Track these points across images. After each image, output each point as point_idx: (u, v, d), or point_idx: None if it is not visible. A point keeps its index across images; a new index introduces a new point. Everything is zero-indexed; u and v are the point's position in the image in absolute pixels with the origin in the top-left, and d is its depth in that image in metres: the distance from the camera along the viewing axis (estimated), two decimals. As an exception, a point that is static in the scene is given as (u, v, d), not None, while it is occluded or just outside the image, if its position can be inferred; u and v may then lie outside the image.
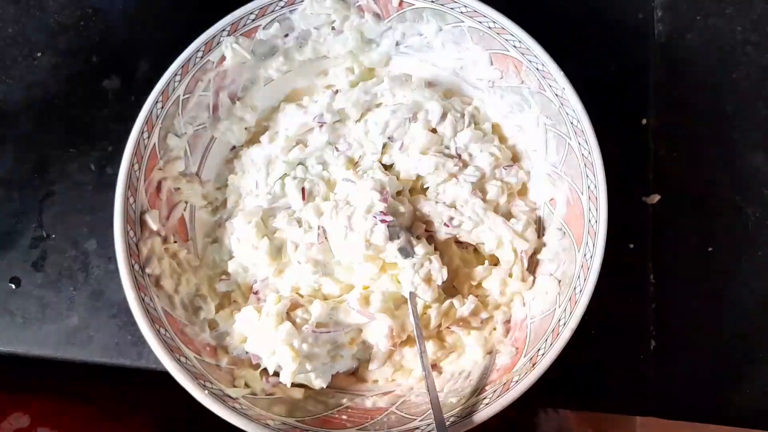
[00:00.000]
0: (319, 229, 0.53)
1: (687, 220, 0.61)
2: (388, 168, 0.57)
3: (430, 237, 0.55)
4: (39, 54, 0.67)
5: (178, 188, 0.55)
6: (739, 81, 0.63)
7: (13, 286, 0.61)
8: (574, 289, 0.49)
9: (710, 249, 0.60)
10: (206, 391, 0.47)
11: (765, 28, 0.64)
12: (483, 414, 0.46)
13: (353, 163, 0.57)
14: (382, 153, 0.57)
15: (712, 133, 0.62)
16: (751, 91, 0.63)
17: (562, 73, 0.52)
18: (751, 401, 0.57)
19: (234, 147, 0.60)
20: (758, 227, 0.60)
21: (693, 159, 0.62)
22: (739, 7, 0.65)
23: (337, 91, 0.58)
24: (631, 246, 0.60)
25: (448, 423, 0.46)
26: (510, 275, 0.53)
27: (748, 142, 0.62)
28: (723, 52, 0.64)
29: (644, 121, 0.62)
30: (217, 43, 0.55)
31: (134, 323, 0.50)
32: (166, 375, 0.48)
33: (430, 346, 0.52)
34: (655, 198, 0.61)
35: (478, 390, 0.48)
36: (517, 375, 0.47)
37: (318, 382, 0.51)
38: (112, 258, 0.53)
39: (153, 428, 0.71)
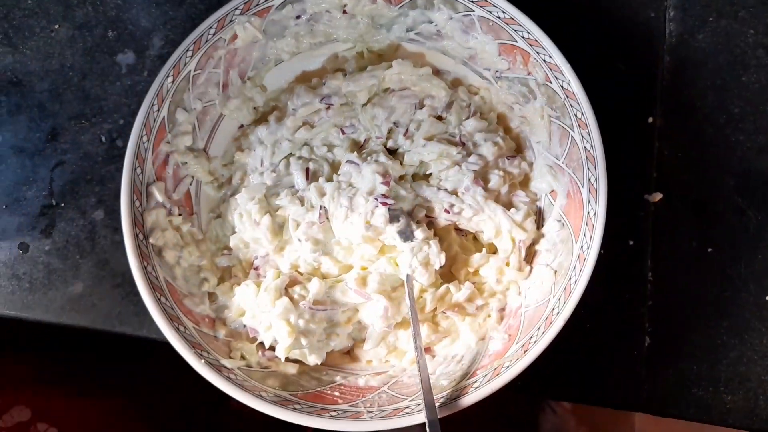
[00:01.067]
0: (321, 209, 0.54)
1: (688, 220, 0.61)
2: (392, 153, 0.58)
3: (431, 222, 0.56)
4: (56, 26, 0.68)
5: (185, 162, 0.56)
6: (748, 84, 0.63)
7: (21, 252, 0.62)
8: (570, 279, 0.49)
9: (710, 250, 0.60)
10: (203, 361, 0.48)
11: (778, 32, 0.64)
12: (472, 397, 0.46)
13: (358, 146, 0.58)
14: (387, 138, 0.58)
15: (718, 134, 0.62)
16: (760, 95, 0.63)
17: (569, 65, 0.52)
18: (743, 401, 0.58)
19: (242, 125, 0.61)
20: (759, 230, 0.60)
21: (697, 159, 0.62)
22: (752, 10, 0.64)
23: (345, 75, 0.59)
24: (631, 243, 0.60)
25: (437, 404, 0.47)
26: (507, 264, 0.54)
27: (753, 145, 0.62)
28: (733, 55, 0.64)
29: (650, 120, 0.62)
30: (230, 21, 0.55)
31: (137, 293, 0.51)
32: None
33: (425, 330, 0.53)
34: (657, 196, 0.61)
35: (469, 374, 0.49)
36: (508, 361, 0.48)
37: (312, 359, 0.52)
38: (118, 229, 0.54)
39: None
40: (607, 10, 0.65)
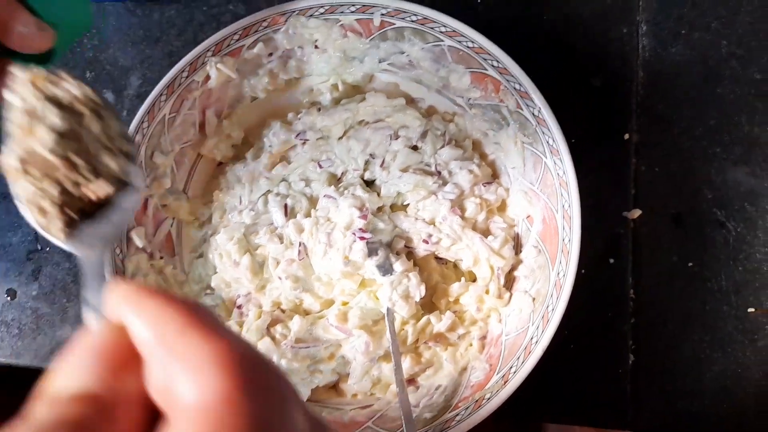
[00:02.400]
0: (300, 245, 0.54)
1: (668, 235, 0.61)
2: (369, 184, 0.59)
3: (410, 253, 0.56)
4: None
5: (165, 205, 0.57)
6: (723, 96, 0.63)
7: (9, 298, 0.63)
8: (547, 307, 0.50)
9: (690, 264, 0.61)
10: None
11: (750, 43, 0.64)
12: (455, 430, 0.47)
13: (335, 180, 0.58)
14: (364, 170, 0.58)
15: (695, 147, 0.62)
16: (735, 106, 0.63)
17: (539, 93, 0.52)
18: (729, 414, 0.58)
19: (220, 163, 0.61)
20: (739, 242, 0.61)
21: (675, 174, 0.62)
22: (724, 21, 0.64)
23: (320, 109, 0.59)
24: (612, 261, 0.61)
25: (421, 438, 0.47)
26: (487, 291, 0.54)
27: (730, 156, 0.62)
28: (707, 67, 0.64)
29: (627, 136, 0.63)
30: (202, 63, 0.56)
31: (122, 336, 0.52)
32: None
33: (407, 362, 0.53)
34: (636, 213, 0.61)
35: (452, 407, 0.50)
36: (489, 392, 0.48)
37: (298, 395, 0.52)
38: (103, 271, 0.55)
39: None
40: (579, 28, 0.65)
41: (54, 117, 0.31)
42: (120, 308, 0.23)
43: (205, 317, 0.22)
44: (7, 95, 0.32)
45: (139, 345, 0.23)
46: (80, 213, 0.32)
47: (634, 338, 0.60)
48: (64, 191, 0.31)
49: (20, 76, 0.32)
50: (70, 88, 0.32)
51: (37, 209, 0.31)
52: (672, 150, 0.63)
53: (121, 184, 0.32)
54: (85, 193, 0.32)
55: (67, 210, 0.31)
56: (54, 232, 0.32)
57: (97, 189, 0.32)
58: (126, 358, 0.23)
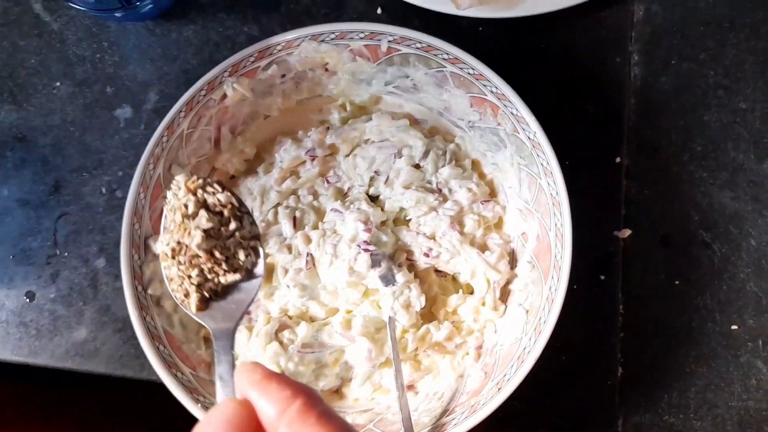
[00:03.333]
0: (307, 256, 0.58)
1: (656, 255, 0.64)
2: (374, 199, 0.62)
3: (411, 265, 0.59)
4: (58, 84, 0.72)
5: (180, 215, 0.60)
6: (709, 123, 0.67)
7: (28, 300, 0.66)
8: (540, 319, 0.53)
9: (677, 282, 0.64)
10: (199, 405, 0.52)
11: (736, 74, 0.68)
12: (450, 433, 0.50)
13: (342, 194, 0.62)
14: (369, 185, 0.61)
15: (683, 172, 0.66)
16: (721, 133, 0.67)
17: (534, 118, 0.56)
18: (711, 427, 0.61)
19: (233, 176, 0.65)
20: (724, 263, 0.64)
21: (663, 196, 0.65)
22: (712, 53, 0.68)
23: (328, 128, 0.63)
24: (602, 278, 0.64)
25: (418, 440, 0.50)
26: (483, 303, 0.57)
27: (716, 181, 0.66)
28: (695, 96, 0.68)
29: (618, 160, 0.66)
30: (219, 83, 0.60)
31: (137, 338, 0.55)
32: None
33: (407, 368, 0.56)
34: (627, 233, 0.65)
35: (448, 411, 0.52)
36: (484, 398, 0.51)
37: (302, 398, 0.55)
38: (119, 276, 0.58)
39: None
40: (574, 56, 0.69)
41: (204, 219, 0.39)
42: (249, 387, 0.29)
43: (320, 403, 0.28)
44: (169, 196, 0.40)
45: (265, 421, 0.28)
46: (212, 293, 0.39)
47: (623, 352, 0.62)
48: (202, 275, 0.39)
49: (180, 181, 0.40)
50: (218, 194, 0.40)
51: (179, 288, 0.40)
52: (661, 174, 0.66)
53: (249, 272, 0.40)
54: (220, 280, 0.39)
55: (203, 290, 0.39)
56: (190, 307, 0.39)
57: (230, 278, 0.40)
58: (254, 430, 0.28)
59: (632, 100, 0.68)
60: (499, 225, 0.61)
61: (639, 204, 0.65)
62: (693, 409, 0.61)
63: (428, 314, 0.59)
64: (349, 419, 0.55)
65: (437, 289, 0.60)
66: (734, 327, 0.63)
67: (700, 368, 0.62)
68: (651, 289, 0.64)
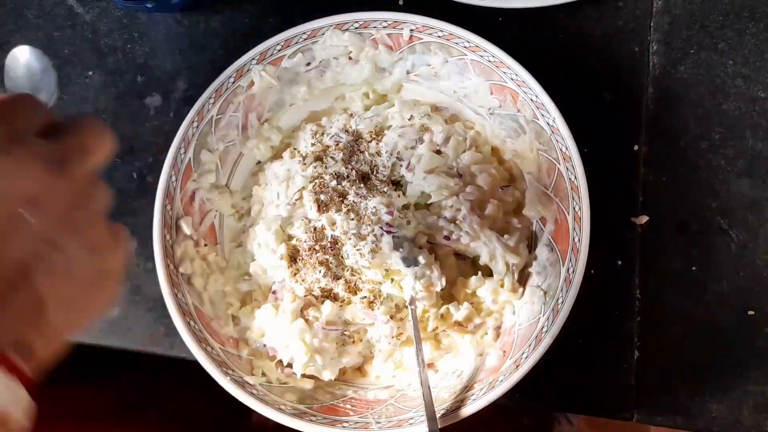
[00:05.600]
0: (331, 237, 0.59)
1: (673, 241, 0.65)
2: (396, 184, 0.64)
3: (432, 247, 0.61)
4: (90, 73, 0.75)
5: (210, 198, 0.62)
6: (728, 111, 0.67)
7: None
8: (557, 300, 0.54)
9: (694, 268, 0.64)
10: (229, 378, 0.54)
11: (755, 63, 0.68)
12: (470, 408, 0.51)
13: (365, 179, 0.64)
14: (391, 171, 0.63)
15: (701, 160, 0.67)
16: (739, 121, 0.67)
17: (553, 104, 0.57)
18: (727, 410, 0.62)
19: (259, 161, 0.67)
20: (740, 249, 0.65)
21: (681, 184, 0.66)
22: (731, 42, 0.69)
23: (352, 114, 0.65)
24: (619, 263, 0.65)
25: (438, 415, 0.52)
26: (502, 285, 0.59)
27: (734, 169, 0.66)
28: (714, 85, 0.68)
29: (636, 148, 0.67)
30: (247, 70, 0.62)
31: (167, 317, 0.57)
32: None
33: (428, 347, 0.58)
34: (644, 219, 0.66)
35: (468, 387, 0.54)
36: (503, 375, 0.53)
37: (326, 374, 0.57)
38: (150, 258, 0.60)
39: None
40: (593, 46, 0.70)
41: None
42: None
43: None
44: None
45: None
46: None
47: (640, 335, 0.64)
48: None
49: None
50: None
51: None
52: (679, 161, 0.67)
53: None
54: None
55: None
56: None
57: None
58: None
59: (650, 89, 0.69)
60: (518, 209, 0.62)
61: (656, 191, 0.66)
62: (709, 392, 0.62)
63: (448, 296, 0.61)
64: (371, 395, 0.57)
65: (457, 271, 0.61)
66: (751, 312, 0.63)
67: (716, 353, 0.63)
68: (668, 275, 0.65)
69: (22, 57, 0.51)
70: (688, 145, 0.67)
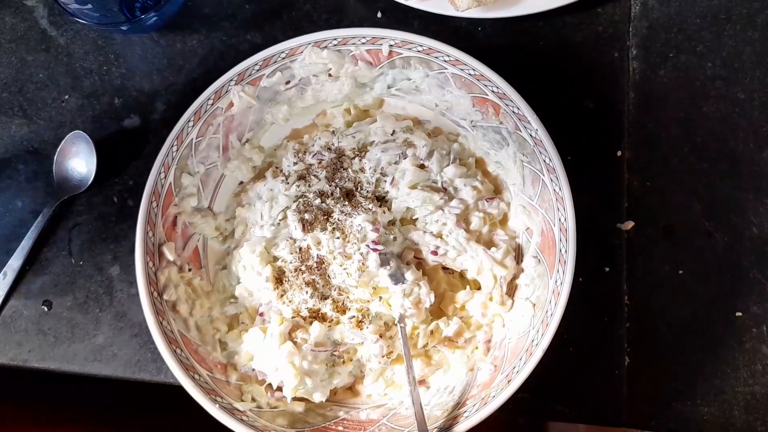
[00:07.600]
0: (317, 257, 0.59)
1: (659, 246, 0.65)
2: (381, 200, 0.63)
3: (419, 263, 0.61)
4: (66, 97, 0.74)
5: (192, 222, 0.62)
6: (708, 114, 0.68)
7: (46, 308, 0.68)
8: (546, 312, 0.54)
9: (681, 272, 0.65)
10: (217, 405, 0.53)
11: (734, 64, 0.68)
12: (463, 426, 0.51)
13: (349, 196, 0.63)
14: (376, 187, 0.63)
15: (683, 163, 0.67)
16: (720, 124, 0.67)
17: (535, 116, 0.57)
18: (718, 413, 0.62)
19: (242, 182, 0.66)
20: (726, 251, 0.65)
21: (665, 188, 0.66)
22: (709, 45, 0.69)
23: (334, 131, 0.64)
24: (607, 269, 0.65)
25: (431, 434, 0.51)
26: (490, 299, 0.58)
27: (716, 171, 0.66)
28: (694, 88, 0.68)
29: (619, 153, 0.67)
30: (226, 91, 0.61)
31: (153, 342, 0.56)
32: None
33: (418, 364, 0.58)
34: (629, 225, 0.66)
35: (460, 404, 0.54)
36: (494, 390, 0.52)
37: (317, 396, 0.57)
38: (134, 283, 0.60)
39: None
40: (572, 53, 0.70)
41: None
42: None
43: None
44: None
45: None
46: None
47: (630, 342, 0.64)
48: None
49: None
50: None
51: None
52: (662, 166, 0.67)
53: None
54: None
55: None
56: None
57: None
58: None
59: (631, 94, 0.69)
60: (504, 221, 0.62)
61: (641, 196, 0.66)
62: (700, 395, 0.62)
63: (437, 311, 0.60)
64: (363, 415, 0.57)
65: (445, 286, 0.61)
66: (739, 314, 0.64)
67: (706, 355, 0.63)
68: (655, 279, 0.65)
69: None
70: (670, 149, 0.67)
